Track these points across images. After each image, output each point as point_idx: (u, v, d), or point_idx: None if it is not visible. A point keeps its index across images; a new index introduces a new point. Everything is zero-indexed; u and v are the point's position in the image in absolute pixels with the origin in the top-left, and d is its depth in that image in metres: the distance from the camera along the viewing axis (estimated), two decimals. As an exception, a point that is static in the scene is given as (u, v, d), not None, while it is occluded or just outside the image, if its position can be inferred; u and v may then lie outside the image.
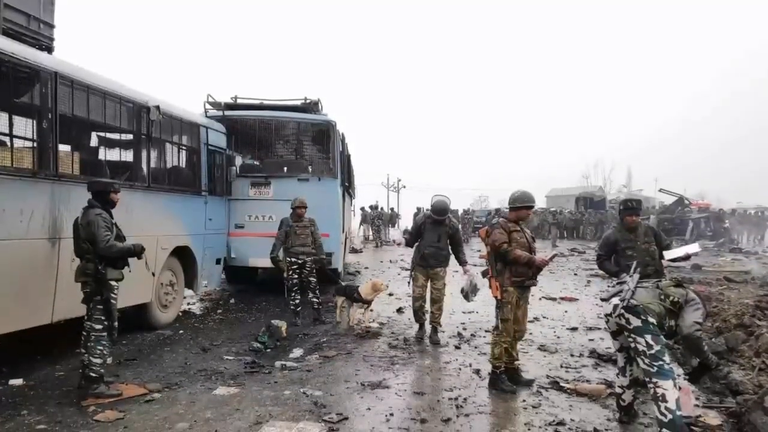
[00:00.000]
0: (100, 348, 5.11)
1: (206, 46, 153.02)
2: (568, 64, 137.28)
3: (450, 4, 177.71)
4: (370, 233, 29.41)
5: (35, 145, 5.79)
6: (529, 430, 4.58)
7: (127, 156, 7.76)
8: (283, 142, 11.28)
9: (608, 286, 4.89)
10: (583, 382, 5.83)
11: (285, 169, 10.81)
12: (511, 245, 5.57)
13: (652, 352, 4.08)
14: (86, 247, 5.11)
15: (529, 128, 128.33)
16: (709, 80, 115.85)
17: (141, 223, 7.03)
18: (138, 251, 5.35)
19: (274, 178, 10.58)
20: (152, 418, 4.63)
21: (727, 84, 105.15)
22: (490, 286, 5.70)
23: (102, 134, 7.50)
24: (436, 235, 7.61)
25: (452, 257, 7.78)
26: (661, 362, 4.07)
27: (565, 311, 10.00)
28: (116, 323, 5.26)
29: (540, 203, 40.90)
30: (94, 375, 5.06)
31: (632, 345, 4.25)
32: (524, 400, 5.29)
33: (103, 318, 5.13)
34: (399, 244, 24.68)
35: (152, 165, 7.88)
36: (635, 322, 4.20)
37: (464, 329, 8.28)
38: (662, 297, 4.29)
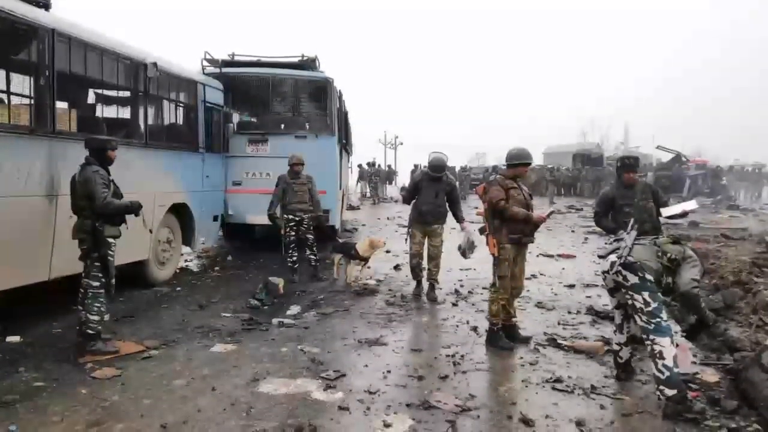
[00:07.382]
0: (98, 305, 5.11)
1: (204, 3, 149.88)
2: (567, 16, 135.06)
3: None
4: (368, 190, 29.38)
5: (33, 102, 5.76)
6: (526, 387, 4.61)
7: (125, 113, 7.71)
8: (281, 99, 11.14)
9: (606, 243, 4.86)
10: (580, 339, 5.85)
11: (282, 126, 10.75)
12: (508, 202, 5.53)
13: (650, 309, 4.08)
14: (83, 204, 5.07)
15: (526, 84, 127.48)
16: (705, 32, 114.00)
17: (138, 180, 6.95)
18: (135, 208, 5.31)
19: (271, 135, 10.56)
20: (149, 375, 4.65)
21: (724, 38, 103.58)
22: (488, 243, 5.67)
23: (99, 91, 7.46)
24: (434, 192, 7.56)
25: (450, 214, 7.75)
26: (658, 319, 4.07)
27: (563, 268, 10.03)
28: (113, 280, 5.26)
29: (537, 160, 40.56)
30: (91, 332, 5.07)
31: (629, 302, 4.25)
32: (521, 357, 5.32)
33: (100, 275, 5.12)
34: (396, 201, 24.69)
35: (149, 122, 7.82)
36: (633, 279, 4.19)
37: (461, 286, 8.30)
38: (660, 254, 4.27)
